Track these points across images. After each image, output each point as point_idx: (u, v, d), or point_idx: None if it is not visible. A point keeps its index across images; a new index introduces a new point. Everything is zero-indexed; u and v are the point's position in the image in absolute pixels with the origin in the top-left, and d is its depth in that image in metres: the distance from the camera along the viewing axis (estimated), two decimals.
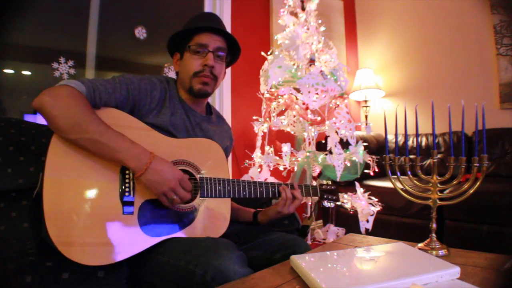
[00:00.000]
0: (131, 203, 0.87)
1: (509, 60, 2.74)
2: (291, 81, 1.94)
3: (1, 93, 1.64)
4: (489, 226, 1.97)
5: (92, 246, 0.79)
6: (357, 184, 2.03)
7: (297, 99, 1.97)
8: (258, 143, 2.09)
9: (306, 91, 1.85)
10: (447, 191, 0.94)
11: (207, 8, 2.42)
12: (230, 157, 2.28)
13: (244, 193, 1.04)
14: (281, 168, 2.05)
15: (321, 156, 1.94)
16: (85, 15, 1.87)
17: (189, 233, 0.93)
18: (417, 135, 0.91)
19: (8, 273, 0.77)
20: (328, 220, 2.54)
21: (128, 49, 2.11)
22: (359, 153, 1.91)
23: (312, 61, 2.03)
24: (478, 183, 0.84)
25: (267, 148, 2.05)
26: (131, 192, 0.88)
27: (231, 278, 0.73)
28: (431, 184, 0.89)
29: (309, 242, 2.12)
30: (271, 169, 2.03)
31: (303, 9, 2.07)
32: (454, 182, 0.88)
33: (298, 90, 1.89)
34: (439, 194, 0.89)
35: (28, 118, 1.70)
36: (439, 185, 0.89)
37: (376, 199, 2.01)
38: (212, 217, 0.98)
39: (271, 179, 1.95)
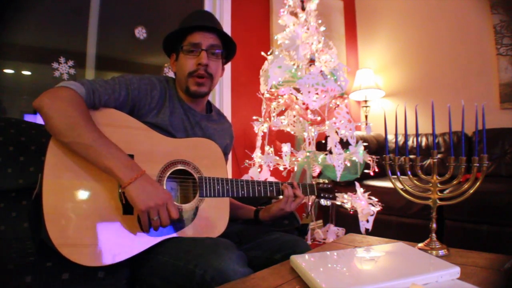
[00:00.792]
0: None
1: (509, 60, 2.74)
2: (291, 81, 1.94)
3: (1, 93, 1.64)
4: (489, 226, 1.97)
5: (92, 247, 0.79)
6: (357, 184, 2.03)
7: (297, 99, 1.97)
8: (258, 143, 2.09)
9: (306, 91, 1.85)
10: (447, 191, 0.94)
11: (207, 8, 2.42)
12: (230, 157, 2.28)
13: (243, 192, 1.05)
14: (281, 168, 2.05)
15: (321, 156, 1.95)
16: (85, 15, 1.87)
17: (189, 233, 0.93)
18: (417, 135, 0.91)
19: (8, 273, 0.77)
20: (328, 220, 2.54)
21: (128, 49, 2.11)
22: (359, 153, 1.91)
23: (312, 61, 2.03)
24: (478, 183, 0.84)
25: (267, 148, 2.05)
26: None
27: (231, 278, 0.73)
28: (431, 184, 0.89)
29: (309, 242, 2.12)
30: (271, 169, 2.03)
31: (303, 9, 2.07)
32: (454, 182, 0.88)
33: (298, 90, 1.89)
34: (439, 194, 0.89)
35: (28, 118, 1.70)
36: (439, 185, 0.89)
37: (376, 199, 2.01)
38: (211, 216, 0.98)
39: (271, 179, 1.95)
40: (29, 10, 1.68)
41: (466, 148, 2.65)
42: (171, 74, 1.23)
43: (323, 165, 1.97)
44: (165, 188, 0.92)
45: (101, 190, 0.84)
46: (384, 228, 2.26)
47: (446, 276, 0.65)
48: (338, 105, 2.04)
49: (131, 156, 0.89)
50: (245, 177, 1.96)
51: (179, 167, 0.97)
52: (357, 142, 1.93)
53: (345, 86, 1.99)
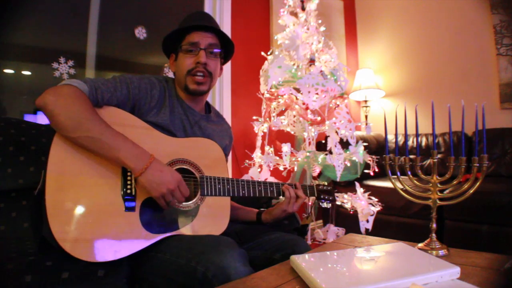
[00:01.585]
0: (132, 200, 0.87)
1: (509, 60, 2.73)
2: (291, 81, 1.94)
3: (1, 93, 1.64)
4: (489, 226, 1.97)
5: (94, 243, 0.80)
6: (357, 184, 2.03)
7: (297, 99, 1.97)
8: (258, 143, 2.09)
9: (306, 91, 1.85)
10: (447, 191, 0.94)
11: (207, 8, 2.42)
12: (230, 157, 2.28)
13: (243, 191, 1.05)
14: (281, 168, 2.05)
15: (321, 156, 1.94)
16: (85, 15, 1.87)
17: (190, 231, 0.94)
18: (417, 135, 0.91)
19: (8, 273, 0.77)
20: (328, 220, 2.54)
21: (128, 49, 2.11)
22: (359, 153, 1.91)
23: (312, 61, 2.03)
24: (478, 183, 0.84)
25: (267, 148, 2.05)
26: (133, 190, 0.88)
27: (232, 276, 0.74)
28: (431, 184, 0.89)
29: (309, 242, 2.12)
30: (271, 169, 2.03)
31: (303, 9, 2.07)
32: (454, 182, 0.88)
33: (298, 90, 1.89)
34: (439, 194, 0.89)
35: (28, 118, 1.70)
36: (439, 185, 0.89)
37: (376, 199, 2.01)
38: (212, 215, 0.98)
39: (271, 179, 1.95)
40: (29, 10, 1.68)
41: (466, 148, 2.65)
42: (171, 74, 1.23)
43: (323, 165, 1.97)
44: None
45: (104, 186, 0.85)
46: (384, 228, 2.26)
47: (446, 276, 0.65)
48: (338, 105, 2.04)
49: None
50: (245, 177, 1.96)
51: (181, 166, 0.97)
52: (357, 142, 1.93)
53: (345, 86, 1.98)
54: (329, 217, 2.52)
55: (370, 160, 2.01)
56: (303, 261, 0.73)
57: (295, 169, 1.99)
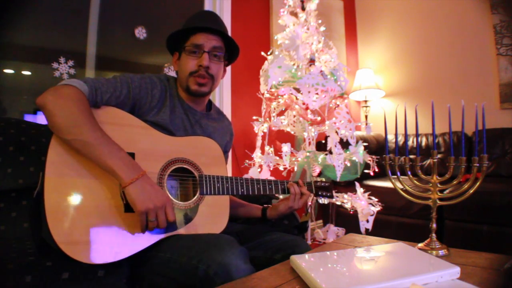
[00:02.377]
0: None
1: (509, 60, 2.74)
2: (291, 81, 1.94)
3: (1, 93, 1.64)
4: (489, 226, 1.97)
5: (94, 244, 0.80)
6: (357, 184, 2.03)
7: (297, 99, 1.97)
8: (258, 143, 2.09)
9: (306, 91, 1.85)
10: (447, 191, 0.94)
11: (206, 8, 2.42)
12: (230, 157, 2.28)
13: (242, 190, 1.06)
14: (281, 168, 2.05)
15: (321, 156, 1.94)
16: (85, 15, 1.87)
17: (190, 230, 0.94)
18: (417, 135, 0.91)
19: (8, 273, 0.77)
20: (328, 220, 2.54)
21: (128, 49, 2.11)
22: (359, 153, 1.91)
23: (312, 61, 2.03)
24: (478, 183, 0.84)
25: (267, 148, 2.05)
26: None
27: (234, 273, 0.74)
28: (431, 184, 0.89)
29: (309, 242, 2.12)
30: (271, 169, 2.03)
31: (303, 9, 2.07)
32: (454, 182, 0.88)
33: (298, 90, 1.89)
34: (439, 194, 0.89)
35: (28, 118, 1.70)
36: (439, 185, 0.89)
37: (376, 199, 2.01)
38: (211, 214, 0.99)
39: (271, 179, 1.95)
40: (29, 10, 1.68)
41: (466, 148, 2.65)
42: (171, 74, 1.23)
43: (323, 165, 1.97)
44: (166, 186, 0.93)
45: (103, 188, 0.84)
46: (384, 228, 2.26)
47: (446, 276, 0.65)
48: (338, 105, 2.04)
49: (132, 154, 0.89)
50: (245, 177, 1.96)
51: (180, 165, 0.97)
52: (357, 142, 1.93)
53: (345, 86, 1.99)
54: (329, 217, 2.52)
55: (370, 160, 2.02)
56: (303, 261, 0.73)
57: (295, 169, 1.99)
